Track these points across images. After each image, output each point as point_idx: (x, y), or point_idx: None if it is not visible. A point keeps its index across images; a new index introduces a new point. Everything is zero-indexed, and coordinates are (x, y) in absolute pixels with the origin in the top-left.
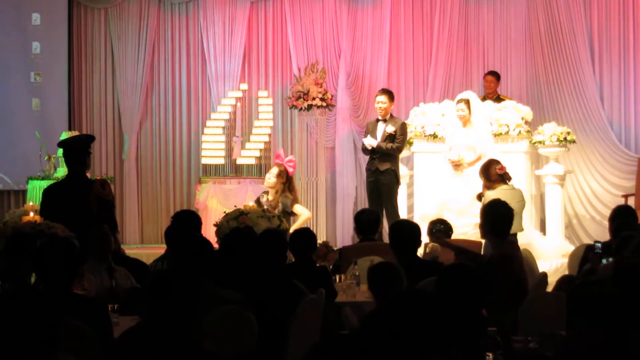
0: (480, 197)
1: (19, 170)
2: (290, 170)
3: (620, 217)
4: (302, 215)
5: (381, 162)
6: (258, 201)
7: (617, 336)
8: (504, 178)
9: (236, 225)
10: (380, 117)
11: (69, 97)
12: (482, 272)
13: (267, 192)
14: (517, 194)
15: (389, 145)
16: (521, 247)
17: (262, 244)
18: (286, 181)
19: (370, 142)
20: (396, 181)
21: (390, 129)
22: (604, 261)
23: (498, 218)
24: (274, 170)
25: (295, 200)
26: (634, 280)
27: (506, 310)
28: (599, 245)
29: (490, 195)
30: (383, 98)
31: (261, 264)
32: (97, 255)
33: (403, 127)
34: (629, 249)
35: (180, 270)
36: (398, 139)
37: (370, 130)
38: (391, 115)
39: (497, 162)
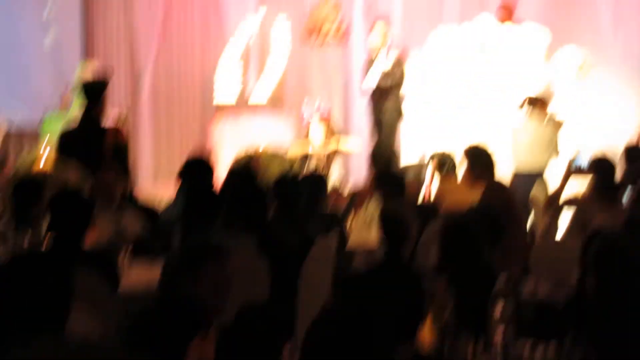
0: None
1: (33, 106)
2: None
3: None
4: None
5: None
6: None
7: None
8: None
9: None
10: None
11: (84, 32)
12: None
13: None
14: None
15: (387, 83)
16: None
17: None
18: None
19: (368, 84)
20: (398, 115)
21: (386, 65)
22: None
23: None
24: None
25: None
26: None
27: (508, 256)
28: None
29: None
30: (381, 25)
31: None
32: (102, 202)
33: (400, 62)
34: None
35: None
36: (395, 75)
37: (368, 65)
38: (389, 47)
39: None
